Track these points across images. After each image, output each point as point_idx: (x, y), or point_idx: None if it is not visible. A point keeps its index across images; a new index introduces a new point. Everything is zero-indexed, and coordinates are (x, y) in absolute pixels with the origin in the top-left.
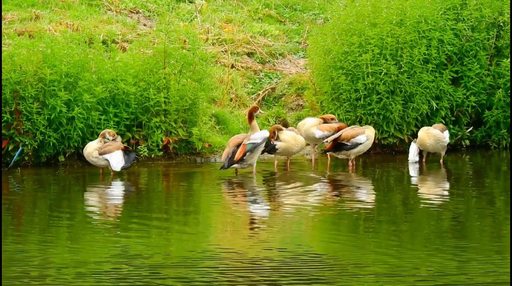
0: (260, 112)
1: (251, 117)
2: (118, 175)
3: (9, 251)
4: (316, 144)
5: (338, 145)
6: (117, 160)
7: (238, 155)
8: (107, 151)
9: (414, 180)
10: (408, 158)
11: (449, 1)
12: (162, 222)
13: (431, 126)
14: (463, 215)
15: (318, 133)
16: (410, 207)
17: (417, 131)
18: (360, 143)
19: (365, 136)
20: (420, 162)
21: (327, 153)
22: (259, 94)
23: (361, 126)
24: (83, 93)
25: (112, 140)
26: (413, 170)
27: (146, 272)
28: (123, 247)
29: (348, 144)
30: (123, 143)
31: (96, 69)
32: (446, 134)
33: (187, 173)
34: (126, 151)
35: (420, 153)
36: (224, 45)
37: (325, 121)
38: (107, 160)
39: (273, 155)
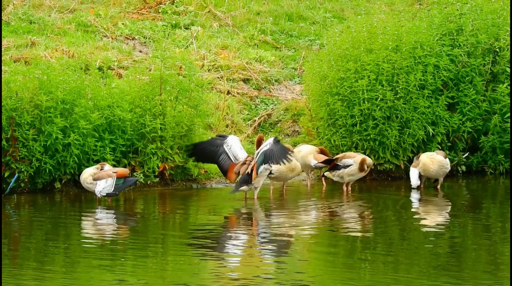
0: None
1: (260, 145)
2: (115, 201)
3: (4, 279)
4: (311, 170)
5: (334, 166)
6: (100, 188)
7: (254, 175)
8: (100, 177)
9: (411, 206)
10: (411, 184)
11: (445, 27)
12: (158, 251)
13: (426, 152)
14: (461, 244)
15: (314, 162)
16: (407, 235)
17: (413, 157)
18: (350, 164)
19: (353, 160)
20: (419, 187)
21: (325, 174)
22: (255, 120)
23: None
24: (79, 119)
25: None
26: (410, 196)
27: None
28: (118, 276)
29: (340, 164)
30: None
31: (92, 95)
32: (448, 160)
33: (183, 199)
34: (122, 179)
35: (419, 178)
36: (220, 71)
37: (322, 151)
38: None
39: (268, 181)
